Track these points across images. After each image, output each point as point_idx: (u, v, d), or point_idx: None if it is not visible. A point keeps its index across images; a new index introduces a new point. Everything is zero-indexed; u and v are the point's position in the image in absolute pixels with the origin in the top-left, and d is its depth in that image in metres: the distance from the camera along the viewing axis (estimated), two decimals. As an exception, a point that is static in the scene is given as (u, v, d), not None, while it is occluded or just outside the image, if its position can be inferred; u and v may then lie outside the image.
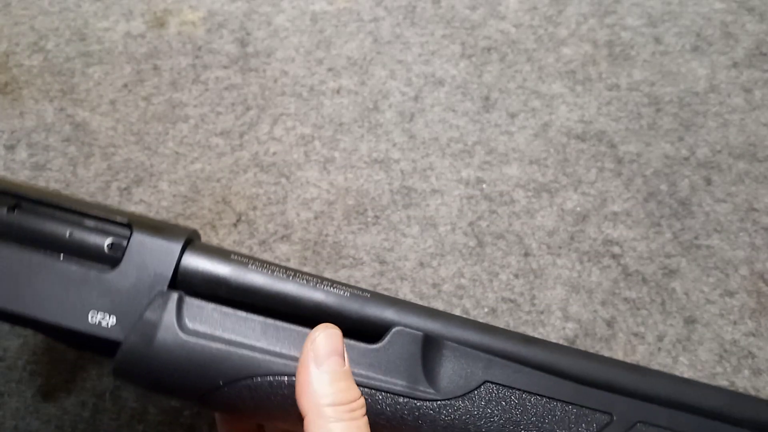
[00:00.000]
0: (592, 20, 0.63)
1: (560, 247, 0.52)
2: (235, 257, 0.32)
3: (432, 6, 0.63)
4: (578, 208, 0.54)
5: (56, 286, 0.30)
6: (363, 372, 0.31)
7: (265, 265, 0.33)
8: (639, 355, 0.49)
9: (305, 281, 0.32)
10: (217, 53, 0.60)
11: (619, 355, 0.49)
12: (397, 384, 0.31)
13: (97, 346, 0.31)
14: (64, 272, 0.31)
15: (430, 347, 0.32)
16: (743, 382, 0.48)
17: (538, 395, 0.31)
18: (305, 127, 0.57)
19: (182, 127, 0.56)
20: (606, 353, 0.49)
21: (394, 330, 0.31)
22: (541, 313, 0.50)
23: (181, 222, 0.52)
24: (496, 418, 0.31)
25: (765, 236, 0.53)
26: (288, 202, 0.53)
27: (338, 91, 0.59)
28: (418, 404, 0.30)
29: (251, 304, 0.32)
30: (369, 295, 0.33)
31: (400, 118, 0.58)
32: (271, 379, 0.30)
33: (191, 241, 0.32)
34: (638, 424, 0.31)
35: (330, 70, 0.60)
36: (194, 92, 0.58)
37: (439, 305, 0.50)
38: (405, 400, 0.30)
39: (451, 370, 0.31)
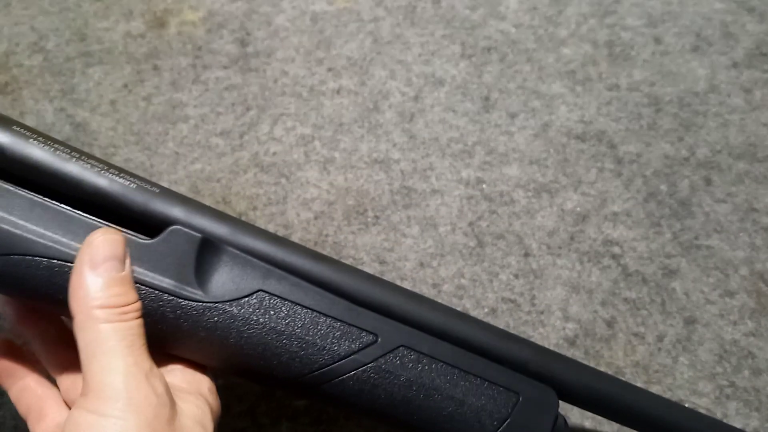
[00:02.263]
0: (592, 20, 0.63)
1: (560, 248, 0.52)
2: (18, 128, 0.31)
3: (432, 6, 0.63)
4: (578, 209, 0.54)
5: None
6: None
7: (49, 141, 0.31)
8: (639, 355, 0.49)
9: (90, 165, 0.31)
10: (217, 53, 0.60)
11: (620, 356, 0.49)
12: (164, 281, 0.31)
13: None
14: None
15: (207, 250, 0.32)
16: (743, 382, 0.48)
17: (309, 309, 0.32)
18: (305, 127, 0.57)
19: (182, 127, 0.56)
20: (606, 353, 0.49)
21: (170, 228, 0.31)
22: (541, 313, 0.50)
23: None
24: (260, 327, 0.31)
25: (765, 236, 0.53)
26: (288, 202, 0.53)
27: (338, 91, 0.59)
28: (182, 303, 0.31)
29: (30, 180, 0.31)
30: (158, 190, 0.32)
31: (400, 118, 0.58)
32: (30, 259, 0.29)
33: None
34: (401, 348, 0.32)
35: (330, 70, 0.60)
36: (194, 92, 0.58)
37: (439, 305, 0.50)
38: (169, 297, 0.31)
39: (226, 276, 0.32)
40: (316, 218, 0.53)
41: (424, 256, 0.52)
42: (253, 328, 0.31)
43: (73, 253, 0.29)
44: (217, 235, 0.32)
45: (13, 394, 0.35)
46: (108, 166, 0.32)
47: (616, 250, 0.53)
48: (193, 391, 0.32)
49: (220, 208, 0.53)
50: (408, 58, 0.61)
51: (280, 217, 0.53)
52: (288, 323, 0.32)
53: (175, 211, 0.32)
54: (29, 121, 0.56)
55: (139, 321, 0.29)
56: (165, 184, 0.54)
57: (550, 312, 0.50)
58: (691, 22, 0.63)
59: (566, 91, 0.59)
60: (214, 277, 0.31)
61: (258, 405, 0.46)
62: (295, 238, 0.52)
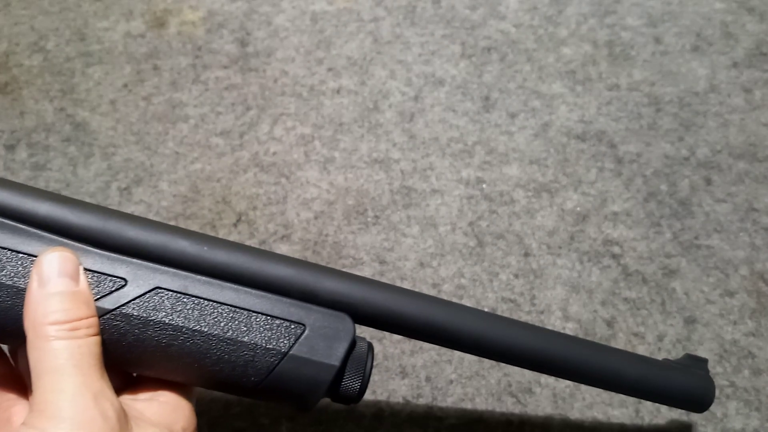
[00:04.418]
0: (592, 20, 0.63)
1: (560, 247, 0.52)
2: None
3: (432, 6, 0.63)
4: (578, 208, 0.54)
5: None
6: None
7: None
8: (639, 355, 0.49)
9: None
10: (217, 53, 0.60)
11: (619, 355, 0.49)
12: None
13: None
14: None
15: None
16: (743, 382, 0.48)
17: (34, 257, 0.30)
18: (305, 127, 0.57)
19: (182, 127, 0.56)
20: (606, 353, 0.49)
21: None
22: (541, 313, 0.50)
23: (182, 222, 0.52)
24: None
25: (765, 236, 0.53)
26: (288, 202, 0.53)
27: (338, 91, 0.59)
28: None
29: None
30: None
31: (400, 118, 0.58)
32: None
33: None
34: (156, 290, 0.31)
35: (330, 70, 0.60)
36: (194, 92, 0.58)
37: (439, 305, 0.50)
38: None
39: None
40: (316, 218, 0.53)
41: (424, 255, 0.52)
42: None
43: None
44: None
45: None
46: None
47: (616, 249, 0.53)
48: (162, 425, 0.31)
49: (220, 207, 0.53)
50: (408, 58, 0.61)
51: (280, 217, 0.53)
52: (12, 276, 0.30)
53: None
54: (29, 121, 0.56)
55: (94, 339, 0.28)
56: (165, 184, 0.54)
57: (550, 312, 0.50)
58: (691, 22, 0.63)
59: (566, 91, 0.59)
60: None
61: (257, 405, 0.46)
62: (295, 238, 0.52)
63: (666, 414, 0.47)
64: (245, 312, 0.32)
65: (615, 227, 0.53)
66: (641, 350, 0.49)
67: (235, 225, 0.52)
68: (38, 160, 0.54)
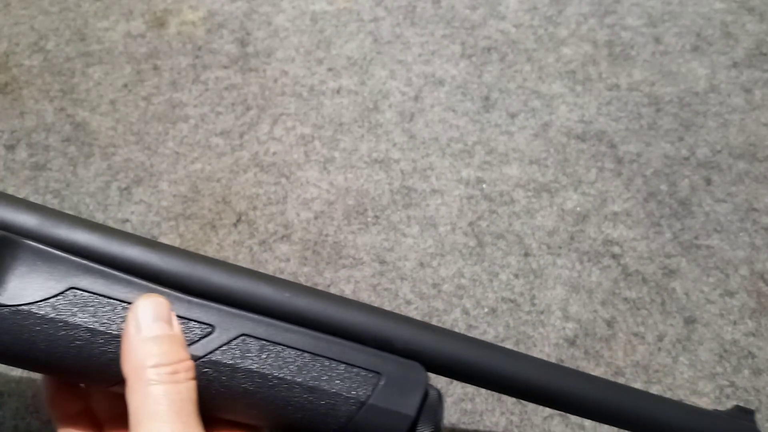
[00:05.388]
0: (592, 20, 0.63)
1: (560, 247, 0.52)
2: None
3: (432, 6, 0.63)
4: (578, 208, 0.54)
5: None
6: None
7: None
8: (639, 355, 0.49)
9: None
10: (217, 53, 0.60)
11: (620, 355, 0.49)
12: None
13: None
14: None
15: (6, 247, 0.29)
16: (743, 382, 0.48)
17: (128, 303, 0.30)
18: (305, 127, 0.57)
19: (182, 127, 0.56)
20: (606, 353, 0.49)
21: None
22: (541, 313, 0.50)
23: (182, 222, 0.52)
24: (72, 327, 0.29)
25: (765, 236, 0.53)
26: (288, 202, 0.53)
27: (338, 91, 0.59)
28: None
29: None
30: None
31: (400, 118, 0.58)
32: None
33: None
34: (242, 337, 0.31)
35: (330, 70, 0.60)
36: (194, 92, 0.58)
37: (439, 305, 0.50)
38: None
39: (31, 274, 0.29)
40: (316, 218, 0.53)
41: (424, 255, 0.52)
42: (64, 330, 0.29)
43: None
44: (22, 226, 0.30)
45: None
46: None
47: (616, 249, 0.53)
48: None
49: (220, 207, 0.53)
50: (408, 58, 0.61)
51: (280, 217, 0.53)
52: (105, 321, 0.30)
53: None
54: (29, 121, 0.56)
55: (191, 384, 0.29)
56: (165, 184, 0.54)
57: (550, 312, 0.50)
58: (691, 22, 0.63)
59: (566, 91, 0.59)
60: (15, 276, 0.29)
61: None
62: (295, 238, 0.52)
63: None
64: (326, 360, 0.32)
65: (615, 227, 0.53)
66: (641, 350, 0.49)
67: (235, 225, 0.52)
68: (38, 160, 0.54)
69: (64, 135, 0.56)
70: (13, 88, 0.58)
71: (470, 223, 0.53)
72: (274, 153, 0.56)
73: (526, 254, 0.52)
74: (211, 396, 0.30)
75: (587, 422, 0.47)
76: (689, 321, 0.50)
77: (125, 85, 0.58)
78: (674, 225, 0.54)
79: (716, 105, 0.59)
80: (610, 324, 0.50)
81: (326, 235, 0.52)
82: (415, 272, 0.51)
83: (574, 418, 0.47)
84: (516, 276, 0.51)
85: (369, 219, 0.53)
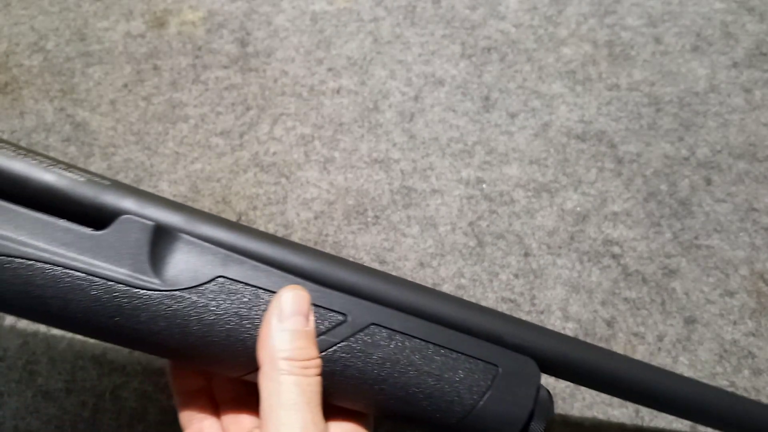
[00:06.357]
0: (592, 20, 0.63)
1: (560, 247, 0.52)
2: None
3: (432, 6, 0.63)
4: (578, 208, 0.54)
5: None
6: (81, 257, 0.30)
7: None
8: (639, 355, 0.49)
9: (36, 161, 0.31)
10: (217, 53, 0.60)
11: (619, 355, 0.49)
12: (118, 272, 0.30)
13: None
14: None
15: (161, 238, 0.31)
16: (743, 382, 0.48)
17: (270, 292, 0.32)
18: (305, 127, 0.57)
19: (182, 127, 0.56)
20: (606, 353, 0.49)
21: (121, 218, 0.31)
22: (541, 313, 0.50)
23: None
24: (222, 312, 0.31)
25: (765, 236, 0.53)
26: (288, 202, 0.53)
27: (338, 91, 0.59)
28: (138, 293, 0.30)
29: None
30: (108, 183, 0.32)
31: (400, 118, 0.58)
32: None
33: None
34: (372, 326, 0.32)
35: (330, 70, 0.60)
36: (194, 92, 0.58)
37: (439, 305, 0.50)
38: (124, 288, 0.30)
39: (183, 263, 0.31)
40: (316, 218, 0.53)
41: (424, 255, 0.52)
42: (215, 314, 0.31)
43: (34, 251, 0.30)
44: (172, 224, 0.32)
45: None
46: (55, 162, 0.32)
47: (616, 249, 0.53)
48: None
49: (220, 207, 0.53)
50: (408, 58, 0.61)
51: (280, 217, 0.53)
52: (251, 307, 0.31)
53: (127, 203, 0.32)
54: (29, 121, 0.56)
55: (318, 379, 0.30)
56: (165, 184, 0.54)
57: (550, 312, 0.50)
58: (691, 22, 0.63)
59: (566, 91, 0.59)
60: (170, 265, 0.31)
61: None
62: (295, 238, 0.52)
63: (666, 414, 0.47)
64: (450, 351, 0.33)
65: (615, 227, 0.53)
66: (641, 350, 0.49)
67: (235, 225, 0.52)
68: (38, 160, 0.54)
69: (64, 135, 0.56)
70: (13, 88, 0.58)
71: (470, 223, 0.53)
72: (274, 153, 0.56)
73: (526, 254, 0.52)
74: (335, 382, 0.32)
75: (587, 423, 0.47)
76: (689, 321, 0.50)
77: (125, 85, 0.58)
78: (674, 225, 0.54)
79: (716, 105, 0.59)
80: (610, 324, 0.50)
81: (326, 235, 0.52)
82: (415, 272, 0.51)
83: (574, 419, 0.47)
84: (516, 276, 0.51)
85: (369, 219, 0.53)
